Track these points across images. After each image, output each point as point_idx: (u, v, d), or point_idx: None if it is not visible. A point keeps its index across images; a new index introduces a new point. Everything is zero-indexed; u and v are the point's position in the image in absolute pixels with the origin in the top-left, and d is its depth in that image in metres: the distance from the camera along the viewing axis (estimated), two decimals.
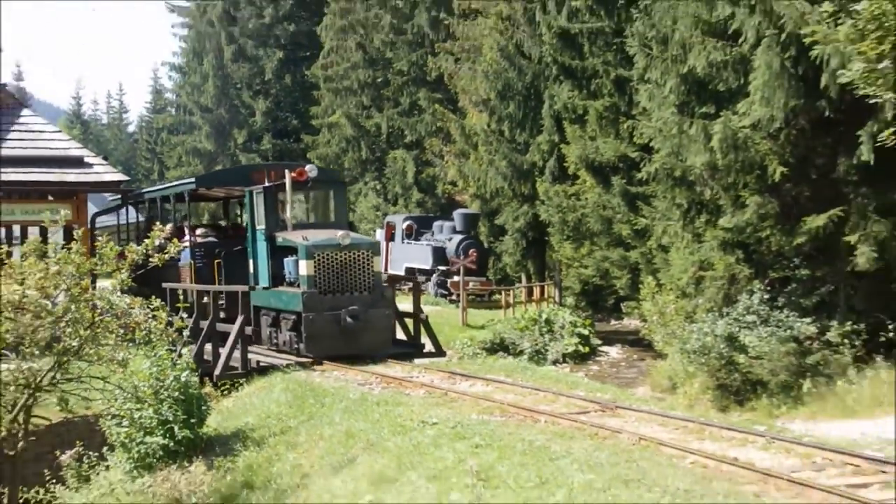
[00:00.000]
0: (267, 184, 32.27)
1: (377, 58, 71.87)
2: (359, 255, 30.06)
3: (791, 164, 28.98)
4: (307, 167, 33.67)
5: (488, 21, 56.11)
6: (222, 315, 32.92)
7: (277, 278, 31.55)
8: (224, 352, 30.50)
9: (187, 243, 36.05)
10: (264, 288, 32.25)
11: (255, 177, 34.22)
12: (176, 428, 22.27)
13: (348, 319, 28.69)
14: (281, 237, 31.37)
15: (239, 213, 42.69)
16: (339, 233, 30.62)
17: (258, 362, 31.04)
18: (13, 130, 35.10)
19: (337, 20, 76.42)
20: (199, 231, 38.18)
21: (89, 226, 34.32)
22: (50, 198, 32.96)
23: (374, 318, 29.65)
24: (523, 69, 52.61)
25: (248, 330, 32.13)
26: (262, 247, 32.10)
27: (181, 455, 22.19)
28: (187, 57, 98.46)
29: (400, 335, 32.83)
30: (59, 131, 41.99)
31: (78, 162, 35.40)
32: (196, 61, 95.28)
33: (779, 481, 15.84)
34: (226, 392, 28.40)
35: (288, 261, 30.87)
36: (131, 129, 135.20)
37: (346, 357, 28.89)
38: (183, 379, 22.85)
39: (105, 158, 40.86)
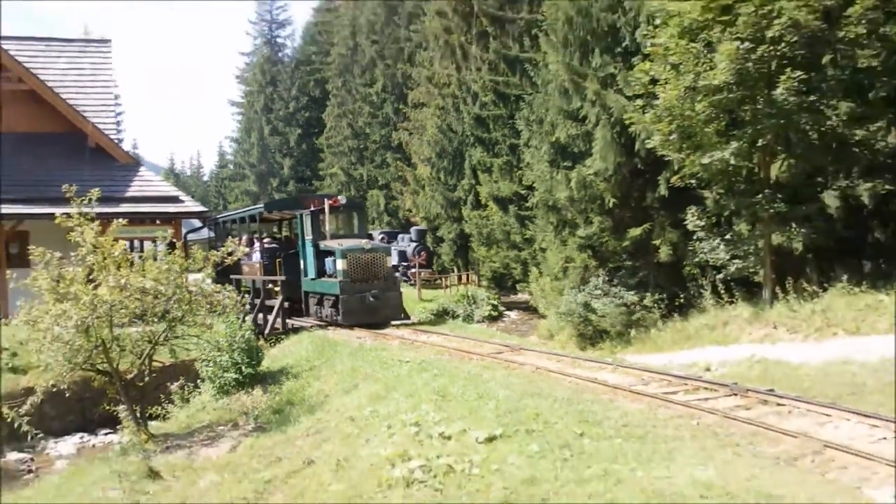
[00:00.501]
0: (313, 208, 31.89)
1: (360, 132, 71.54)
2: (377, 256, 29.94)
3: (619, 196, 29.41)
4: (339, 197, 34.29)
5: (430, 109, 56.21)
6: (280, 295, 32.87)
7: (320, 272, 31.17)
8: (271, 318, 31.65)
9: (257, 248, 36.02)
10: (311, 279, 31.92)
11: (304, 203, 33.74)
12: (243, 367, 22.96)
13: (370, 299, 28.86)
14: (323, 244, 31.01)
15: (289, 228, 41.37)
16: (363, 241, 30.88)
17: (293, 325, 31.55)
18: (135, 180, 35.25)
19: (335, 109, 76.24)
20: (265, 240, 37.34)
21: (184, 240, 34.53)
22: (157, 222, 33.10)
23: (388, 298, 29.71)
24: (452, 139, 52.63)
25: (287, 305, 32.67)
26: (309, 251, 31.75)
27: (246, 384, 22.78)
28: (241, 132, 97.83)
29: None
30: (163, 180, 42.41)
31: (175, 199, 35.47)
32: (246, 135, 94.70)
33: (623, 391, 16.50)
34: (272, 344, 28.85)
35: (328, 260, 30.57)
36: (205, 178, 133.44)
37: (369, 325, 28.68)
38: (246, 336, 23.42)
39: (192, 197, 41.11)
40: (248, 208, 43.38)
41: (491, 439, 12.40)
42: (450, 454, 12.20)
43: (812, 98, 22.43)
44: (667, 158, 25.72)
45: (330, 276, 30.48)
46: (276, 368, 24.37)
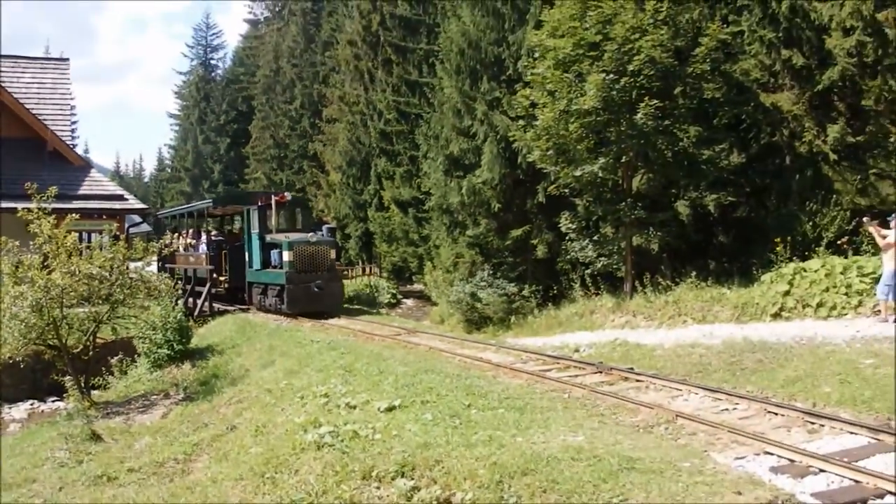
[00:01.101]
0: (260, 204, 30.04)
1: (281, 143, 70.80)
2: (321, 249, 28.36)
3: (503, 202, 29.28)
4: (286, 193, 31.94)
5: (341, 124, 55.82)
6: (227, 284, 32.65)
7: (266, 263, 29.43)
8: (199, 302, 30.86)
9: (204, 241, 34.69)
10: (256, 270, 30.19)
11: (251, 199, 31.71)
12: (174, 344, 23.12)
13: (315, 289, 27.41)
14: (269, 237, 29.23)
15: (231, 223, 40.54)
16: (309, 234, 29.18)
17: (219, 308, 31.22)
18: (86, 180, 34.49)
19: (259, 123, 75.54)
20: (212, 233, 35.86)
21: (126, 233, 33.84)
22: (104, 217, 32.44)
23: (332, 288, 28.36)
24: (360, 150, 52.24)
25: (214, 292, 32.26)
26: (255, 243, 29.92)
27: (177, 359, 23.04)
28: (178, 140, 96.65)
29: None
30: (111, 180, 41.66)
31: (120, 198, 34.82)
32: (183, 143, 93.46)
33: (504, 368, 16.60)
34: (201, 324, 28.54)
35: (274, 252, 28.91)
36: (146, 179, 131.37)
37: (314, 313, 27.30)
38: (178, 317, 23.57)
39: (134, 195, 40.46)
40: (195, 204, 40.49)
41: (391, 409, 12.41)
42: (355, 422, 12.16)
43: (667, 123, 22.72)
44: (544, 171, 25.66)
45: (275, 267, 28.89)
46: (204, 346, 24.47)
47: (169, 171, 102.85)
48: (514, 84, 28.01)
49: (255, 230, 30.20)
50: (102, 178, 37.59)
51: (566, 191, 25.61)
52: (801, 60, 22.26)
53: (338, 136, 56.95)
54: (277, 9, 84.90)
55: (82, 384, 20.31)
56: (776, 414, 12.09)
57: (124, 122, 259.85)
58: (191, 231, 37.80)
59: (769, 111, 23.28)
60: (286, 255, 27.59)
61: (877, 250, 19.08)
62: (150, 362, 23.19)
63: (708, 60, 22.75)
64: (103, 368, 22.10)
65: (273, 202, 29.73)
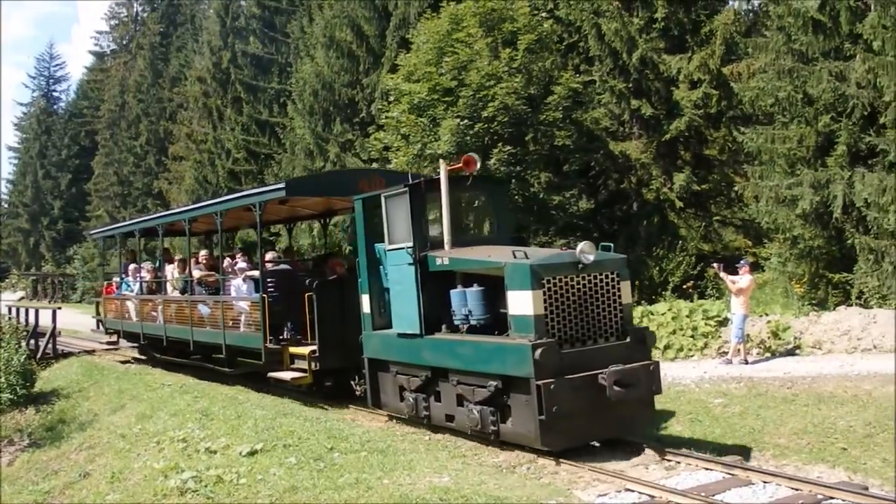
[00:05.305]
0: (409, 182, 13.27)
1: (125, 180, 69.00)
2: (605, 282, 11.72)
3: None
4: (472, 154, 13.88)
5: (188, 162, 54.86)
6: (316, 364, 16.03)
7: (434, 320, 12.94)
8: (42, 344, 29.33)
9: (243, 269, 18.97)
10: (400, 334, 13.52)
11: (362, 181, 16.40)
12: (17, 388, 21.81)
13: (615, 388, 10.96)
14: (441, 259, 12.77)
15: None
16: (582, 245, 11.45)
17: (63, 350, 29.67)
18: None
19: (103, 158, 73.50)
20: (267, 257, 18.99)
21: None
22: None
23: (641, 380, 11.48)
24: (208, 189, 51.14)
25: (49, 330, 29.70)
26: (403, 274, 13.23)
27: (21, 404, 21.77)
28: (16, 174, 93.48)
29: None
30: None
31: None
32: (21, 177, 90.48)
33: (363, 412, 16.06)
34: (44, 367, 27.26)
35: (462, 296, 12.48)
36: None
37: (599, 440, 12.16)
38: (22, 360, 22.38)
39: None
40: (226, 198, 20.49)
41: (253, 453, 12.06)
42: (218, 466, 11.78)
43: (519, 168, 23.00)
44: None
45: (461, 326, 12.66)
46: (48, 389, 23.32)
47: (6, 206, 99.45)
48: (367, 126, 27.99)
49: (402, 244, 13.38)
50: None
51: None
52: (649, 110, 23.00)
53: (184, 174, 55.96)
54: (124, 41, 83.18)
55: None
56: (633, 453, 12.24)
57: None
58: (202, 254, 23.29)
59: (618, 159, 23.96)
60: (525, 304, 11.29)
61: (720, 294, 19.66)
62: None
63: (560, 108, 23.21)
64: None
65: (443, 174, 13.02)
